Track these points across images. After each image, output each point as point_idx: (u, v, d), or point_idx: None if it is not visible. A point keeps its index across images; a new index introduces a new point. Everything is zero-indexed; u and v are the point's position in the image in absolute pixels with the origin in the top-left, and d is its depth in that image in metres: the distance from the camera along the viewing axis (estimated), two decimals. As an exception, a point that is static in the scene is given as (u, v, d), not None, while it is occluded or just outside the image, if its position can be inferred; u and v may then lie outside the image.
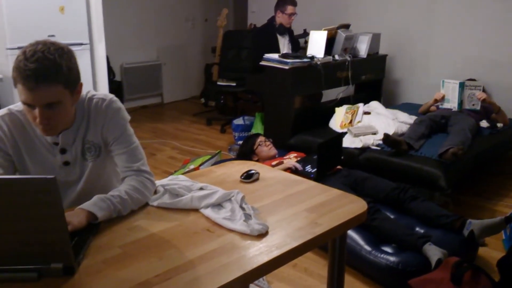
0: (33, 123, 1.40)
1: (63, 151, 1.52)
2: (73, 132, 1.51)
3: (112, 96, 1.57)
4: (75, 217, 1.30)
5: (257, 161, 3.07)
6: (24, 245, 1.10)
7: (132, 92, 5.98)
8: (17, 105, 1.47)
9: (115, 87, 5.46)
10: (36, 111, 1.33)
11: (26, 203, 1.06)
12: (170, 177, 1.71)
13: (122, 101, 5.79)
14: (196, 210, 1.49)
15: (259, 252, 1.26)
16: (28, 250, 1.10)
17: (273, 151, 3.22)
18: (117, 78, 5.84)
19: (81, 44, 3.69)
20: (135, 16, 5.85)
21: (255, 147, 3.19)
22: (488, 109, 3.76)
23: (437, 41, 4.60)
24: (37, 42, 1.34)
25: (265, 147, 3.20)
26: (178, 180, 1.65)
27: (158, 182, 1.64)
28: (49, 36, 3.50)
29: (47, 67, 1.29)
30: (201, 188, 1.57)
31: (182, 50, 6.53)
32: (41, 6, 3.46)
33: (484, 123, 3.75)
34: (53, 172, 1.51)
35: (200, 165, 3.50)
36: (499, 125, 3.74)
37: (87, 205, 1.36)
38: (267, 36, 4.48)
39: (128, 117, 1.60)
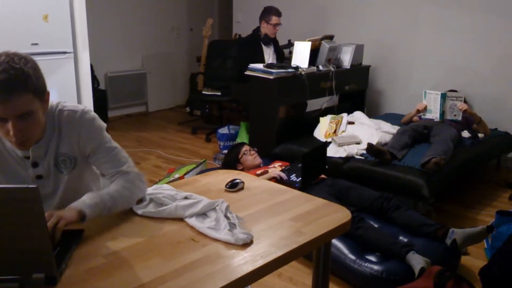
0: (6, 138, 1.36)
1: (35, 164, 1.49)
2: (44, 145, 1.48)
3: (84, 107, 1.54)
4: (67, 212, 1.30)
5: (242, 170, 3.07)
6: (5, 254, 1.08)
7: (117, 100, 5.94)
8: None
9: (99, 95, 5.43)
10: (9, 124, 1.29)
11: (8, 212, 1.04)
12: (155, 186, 1.70)
13: (106, 109, 5.79)
14: (180, 219, 1.48)
15: (244, 262, 1.25)
16: (9, 260, 1.08)
17: (258, 160, 3.23)
18: (102, 86, 5.81)
19: (65, 52, 3.65)
20: (120, 25, 5.84)
21: (240, 156, 3.20)
22: (469, 120, 3.82)
23: (419, 52, 4.69)
24: None
25: (250, 156, 3.20)
26: (163, 189, 1.64)
27: (143, 191, 1.63)
28: (32, 44, 3.46)
29: (16, 77, 1.25)
30: (186, 197, 1.57)
31: (167, 59, 6.52)
32: (24, 14, 3.43)
33: (465, 134, 3.81)
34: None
35: (185, 174, 3.48)
36: (481, 135, 3.80)
37: (77, 203, 1.36)
38: (252, 46, 4.51)
39: (103, 124, 1.57)
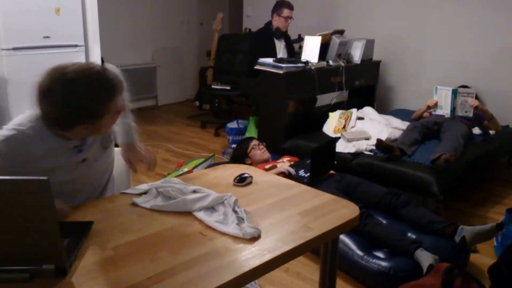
0: (107, 128, 1.56)
1: (80, 151, 1.58)
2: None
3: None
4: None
5: (250, 164, 3.07)
6: (16, 246, 1.10)
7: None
8: (20, 123, 1.47)
9: (109, 89, 5.44)
10: (115, 116, 1.52)
11: (18, 204, 1.06)
12: (163, 179, 1.71)
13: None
14: (189, 213, 1.49)
15: (252, 256, 1.26)
16: (20, 251, 1.10)
17: (267, 154, 3.23)
18: (112, 80, 5.82)
19: (76, 45, 3.68)
20: (130, 19, 5.85)
21: (248, 150, 3.20)
22: (481, 116, 3.79)
23: (430, 48, 4.64)
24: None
25: (259, 151, 3.20)
26: (171, 182, 1.65)
27: (151, 184, 1.64)
28: (44, 37, 3.49)
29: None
30: (194, 191, 1.57)
31: (177, 53, 6.53)
32: (36, 8, 3.45)
33: (476, 130, 3.78)
34: (74, 170, 1.57)
35: (194, 168, 3.50)
36: (492, 132, 3.77)
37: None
38: (264, 39, 4.50)
39: None
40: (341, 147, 3.36)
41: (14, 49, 3.35)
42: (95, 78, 1.42)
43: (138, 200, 1.56)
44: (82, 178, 1.62)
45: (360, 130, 3.62)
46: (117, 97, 1.48)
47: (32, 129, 1.47)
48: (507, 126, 4.05)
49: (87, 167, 1.62)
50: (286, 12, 4.41)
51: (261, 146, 3.25)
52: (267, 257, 1.26)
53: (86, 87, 1.40)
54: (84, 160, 1.60)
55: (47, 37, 3.49)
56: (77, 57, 3.67)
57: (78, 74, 1.39)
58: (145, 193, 1.61)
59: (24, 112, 1.53)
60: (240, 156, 3.22)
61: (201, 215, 1.45)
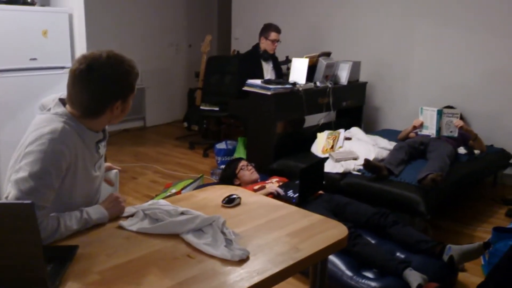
0: (125, 113, 1.59)
1: (98, 149, 1.63)
2: None
3: None
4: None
5: (239, 185, 3.06)
6: (-1, 271, 1.07)
7: (114, 115, 5.94)
8: (54, 119, 1.48)
9: (97, 110, 5.42)
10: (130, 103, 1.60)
11: (2, 228, 1.04)
12: (151, 201, 1.70)
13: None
14: (176, 235, 1.47)
15: (240, 278, 1.25)
16: (3, 276, 1.07)
17: (255, 175, 3.23)
18: (99, 101, 5.80)
19: (63, 67, 3.67)
20: (118, 40, 5.87)
21: (237, 171, 3.19)
22: (466, 136, 3.84)
23: (415, 69, 4.73)
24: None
25: (247, 172, 3.20)
26: (159, 204, 1.64)
27: (138, 207, 1.63)
28: (31, 59, 3.48)
29: None
30: (182, 213, 1.56)
31: (166, 74, 6.56)
32: (24, 30, 3.45)
33: (462, 150, 3.83)
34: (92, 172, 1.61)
35: (182, 189, 3.48)
36: (476, 152, 3.82)
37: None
38: (252, 62, 4.55)
39: None
40: (329, 167, 3.37)
41: (2, 71, 3.34)
42: (125, 58, 1.57)
43: (125, 223, 1.54)
44: (95, 185, 1.65)
45: (348, 150, 3.64)
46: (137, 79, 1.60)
47: (67, 124, 1.48)
48: (492, 145, 4.12)
49: (100, 172, 1.66)
50: (273, 35, 4.48)
51: (250, 167, 3.25)
52: (256, 279, 1.25)
53: (121, 63, 1.54)
54: (98, 164, 1.63)
55: (34, 59, 3.48)
56: (64, 79, 3.65)
57: (111, 56, 1.53)
58: (132, 215, 1.60)
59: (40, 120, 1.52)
60: (228, 177, 3.21)
61: (189, 237, 1.44)
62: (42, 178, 1.37)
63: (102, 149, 1.65)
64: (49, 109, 1.53)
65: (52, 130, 1.42)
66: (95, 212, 1.52)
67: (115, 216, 1.57)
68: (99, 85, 1.48)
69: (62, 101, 1.56)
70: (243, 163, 3.25)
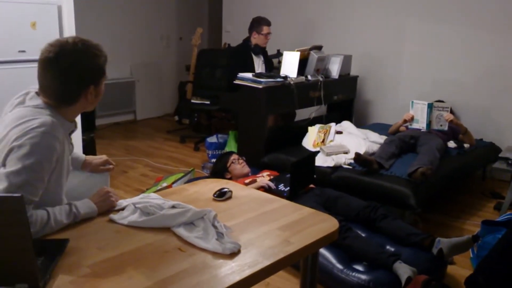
0: (99, 99, 1.58)
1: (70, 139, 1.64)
2: None
3: None
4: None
5: (230, 179, 3.06)
6: (-12, 265, 1.06)
7: (105, 108, 5.91)
8: (38, 112, 1.47)
9: (87, 103, 5.38)
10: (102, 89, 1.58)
11: (-9, 222, 1.03)
12: (142, 195, 1.69)
13: (94, 117, 5.74)
14: (167, 228, 1.47)
15: (231, 271, 1.25)
16: (-8, 271, 1.07)
17: (246, 169, 3.23)
18: (89, 94, 5.76)
19: (53, 59, 3.64)
20: (108, 33, 5.82)
21: (228, 165, 3.19)
22: (455, 130, 3.87)
23: (406, 63, 4.75)
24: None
25: (239, 165, 3.20)
26: (150, 198, 1.63)
27: (129, 200, 1.62)
28: (19, 51, 3.43)
29: None
30: (173, 206, 1.56)
31: (156, 67, 6.51)
32: (12, 21, 3.40)
33: (451, 144, 3.85)
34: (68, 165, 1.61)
35: (173, 183, 3.47)
36: (466, 145, 3.85)
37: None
38: (242, 55, 4.53)
39: None
40: (320, 161, 3.38)
41: (-11, 63, 3.29)
42: (92, 43, 1.54)
43: (116, 216, 1.53)
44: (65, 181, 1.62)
45: (339, 144, 3.65)
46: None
47: (53, 117, 1.46)
48: (481, 139, 4.16)
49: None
50: (265, 29, 4.46)
51: (241, 161, 3.24)
52: (247, 272, 1.25)
53: (89, 48, 1.52)
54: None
55: (23, 51, 3.44)
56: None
57: (77, 41, 1.50)
58: (122, 209, 1.59)
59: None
60: (219, 170, 3.21)
61: (180, 230, 1.44)
62: (35, 171, 1.36)
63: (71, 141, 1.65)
64: (21, 103, 1.51)
65: (42, 123, 1.40)
66: (84, 206, 1.51)
67: (105, 211, 1.56)
68: (70, 71, 1.47)
69: (37, 94, 1.53)
70: (234, 156, 3.25)
